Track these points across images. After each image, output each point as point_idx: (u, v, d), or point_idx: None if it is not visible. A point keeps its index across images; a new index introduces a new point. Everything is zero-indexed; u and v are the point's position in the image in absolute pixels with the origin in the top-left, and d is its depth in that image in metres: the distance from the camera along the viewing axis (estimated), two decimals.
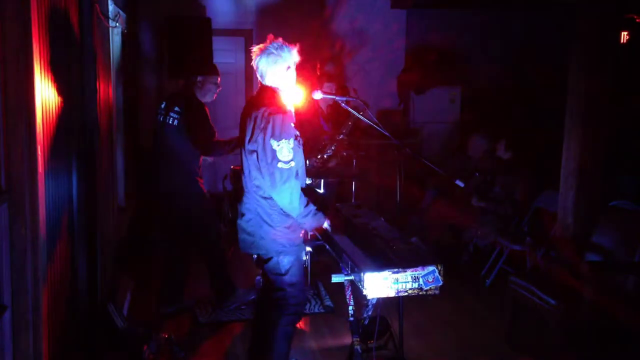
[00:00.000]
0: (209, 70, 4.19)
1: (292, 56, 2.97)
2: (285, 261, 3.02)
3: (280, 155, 2.80)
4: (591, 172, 4.06)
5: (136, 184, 5.53)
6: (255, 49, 2.99)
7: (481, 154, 5.65)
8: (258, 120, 2.86)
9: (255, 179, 2.95)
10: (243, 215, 3.05)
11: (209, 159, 4.49)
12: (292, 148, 2.83)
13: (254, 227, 3.00)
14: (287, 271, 3.03)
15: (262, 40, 3.03)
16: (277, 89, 2.98)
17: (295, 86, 3.09)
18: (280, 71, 2.96)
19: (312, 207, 2.94)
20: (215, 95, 4.22)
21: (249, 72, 7.04)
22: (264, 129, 2.82)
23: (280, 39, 2.98)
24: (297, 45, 3.00)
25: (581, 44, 3.99)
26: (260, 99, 2.98)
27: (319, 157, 4.71)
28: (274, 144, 2.80)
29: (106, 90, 4.08)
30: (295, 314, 3.12)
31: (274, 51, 2.93)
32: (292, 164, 2.83)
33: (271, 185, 2.85)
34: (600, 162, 4.08)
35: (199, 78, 4.11)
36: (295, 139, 2.88)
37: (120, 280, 4.46)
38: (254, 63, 3.00)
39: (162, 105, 4.14)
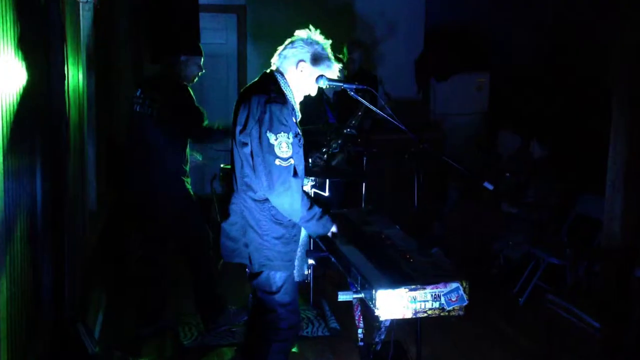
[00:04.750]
0: (193, 50, 4.20)
1: (311, 50, 2.97)
2: (277, 277, 3.01)
3: (278, 150, 2.80)
4: None
5: (110, 184, 5.53)
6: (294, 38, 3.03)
7: (513, 151, 5.65)
8: (254, 109, 2.86)
9: (246, 177, 2.95)
10: (228, 216, 3.05)
11: (199, 158, 4.51)
12: (292, 143, 2.82)
13: (237, 231, 3.01)
14: (279, 289, 3.01)
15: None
16: (285, 77, 2.99)
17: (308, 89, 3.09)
18: (288, 60, 2.98)
19: (316, 210, 2.94)
20: (196, 78, 4.24)
21: (242, 54, 7.04)
22: (260, 119, 2.82)
23: (305, 33, 3.00)
24: (329, 41, 3.02)
25: (627, 21, 3.95)
26: (260, 84, 3.00)
27: (323, 150, 4.70)
28: (271, 137, 2.80)
29: (76, 76, 4.08)
30: (288, 340, 3.11)
31: (293, 41, 2.99)
32: (292, 161, 2.83)
33: (268, 186, 2.84)
34: None
35: (182, 58, 4.12)
36: (296, 136, 2.88)
37: (92, 296, 4.46)
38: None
39: (138, 93, 4.15)
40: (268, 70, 3.05)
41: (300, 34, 3.02)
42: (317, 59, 2.98)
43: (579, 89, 6.63)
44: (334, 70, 3.02)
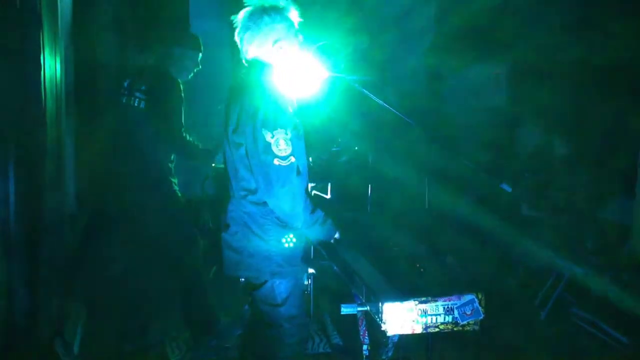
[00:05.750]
0: (189, 42, 4.21)
1: (277, 27, 2.93)
2: (282, 287, 2.99)
3: (275, 148, 2.78)
4: None
5: (92, 184, 5.53)
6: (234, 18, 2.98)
7: (533, 148, 5.64)
8: (246, 105, 2.84)
9: (243, 180, 2.93)
10: (228, 226, 3.03)
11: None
12: (290, 139, 2.81)
13: (240, 241, 2.98)
14: (284, 300, 3.00)
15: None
16: (271, 65, 2.97)
17: (295, 64, 3.06)
18: (264, 47, 2.94)
19: (319, 214, 2.94)
20: (191, 75, 4.25)
21: (235, 43, 7.03)
22: (254, 116, 2.80)
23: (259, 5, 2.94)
24: (291, 9, 2.97)
25: None
26: (249, 78, 2.97)
27: (325, 149, 4.70)
28: (267, 134, 2.78)
29: (53, 66, 4.08)
30: (295, 357, 3.09)
31: (251, 24, 2.93)
32: (292, 159, 2.82)
33: (266, 188, 2.83)
34: None
35: (175, 50, 4.13)
36: (294, 128, 2.86)
37: (71, 308, 4.45)
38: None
39: (126, 84, 4.17)
40: (249, 62, 3.00)
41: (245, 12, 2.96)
42: (290, 28, 2.94)
43: (610, 81, 6.62)
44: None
